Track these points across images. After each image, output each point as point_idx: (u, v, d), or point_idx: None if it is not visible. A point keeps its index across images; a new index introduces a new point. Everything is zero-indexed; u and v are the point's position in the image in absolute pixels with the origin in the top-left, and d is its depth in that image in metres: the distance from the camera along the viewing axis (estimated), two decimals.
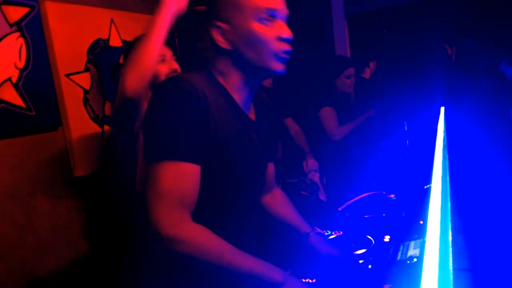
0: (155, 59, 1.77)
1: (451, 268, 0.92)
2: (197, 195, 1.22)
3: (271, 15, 1.28)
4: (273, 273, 1.24)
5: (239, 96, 1.36)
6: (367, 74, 3.98)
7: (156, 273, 1.35)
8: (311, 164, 3.42)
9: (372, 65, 3.84)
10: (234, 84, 1.35)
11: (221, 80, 1.34)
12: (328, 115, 3.39)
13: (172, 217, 1.15)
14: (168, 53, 2.07)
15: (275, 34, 1.29)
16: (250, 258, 1.23)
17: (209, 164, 1.24)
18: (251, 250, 1.33)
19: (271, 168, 1.72)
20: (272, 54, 1.30)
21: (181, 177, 1.17)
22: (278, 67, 1.32)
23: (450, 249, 1.03)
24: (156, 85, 1.29)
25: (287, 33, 1.30)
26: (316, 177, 3.41)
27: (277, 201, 1.76)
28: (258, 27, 1.27)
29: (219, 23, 1.29)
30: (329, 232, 1.83)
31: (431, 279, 0.55)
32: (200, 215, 1.22)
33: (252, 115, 1.46)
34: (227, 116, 1.29)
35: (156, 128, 1.20)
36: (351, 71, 3.40)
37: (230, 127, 1.29)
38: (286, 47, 1.31)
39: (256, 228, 1.54)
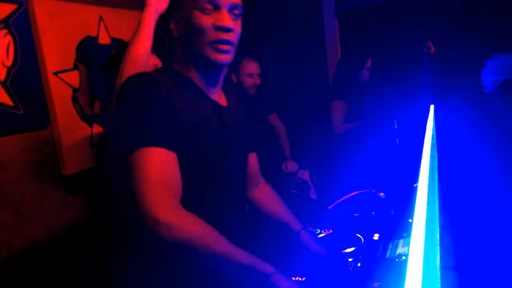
0: (147, 54, 1.86)
1: (438, 266, 0.93)
2: (181, 183, 1.22)
3: (213, 4, 1.31)
4: (264, 266, 1.25)
5: (202, 84, 1.39)
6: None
7: (143, 272, 1.35)
8: (291, 166, 3.42)
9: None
10: (193, 72, 1.39)
11: (182, 71, 1.38)
12: (338, 108, 3.39)
13: (164, 202, 1.13)
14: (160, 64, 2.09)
15: (212, 23, 1.31)
16: (241, 251, 1.23)
17: (182, 151, 1.24)
18: (237, 243, 1.33)
19: (253, 159, 1.72)
20: (208, 42, 1.32)
21: (161, 163, 1.17)
22: (215, 56, 1.33)
23: (438, 247, 1.03)
24: (123, 82, 1.31)
25: (223, 22, 1.31)
26: (306, 175, 3.42)
27: (266, 197, 1.76)
28: (198, 15, 1.30)
29: (174, 13, 1.37)
30: (319, 231, 1.83)
31: (415, 277, 0.55)
32: (186, 206, 1.21)
33: (222, 101, 1.48)
34: (192, 102, 1.32)
35: (126, 121, 1.22)
36: (369, 62, 3.41)
37: (197, 113, 1.32)
38: (222, 36, 1.32)
39: (240, 221, 1.53)
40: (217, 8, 1.31)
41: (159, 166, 1.16)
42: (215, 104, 1.41)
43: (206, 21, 1.30)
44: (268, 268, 1.25)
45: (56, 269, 2.35)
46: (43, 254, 2.31)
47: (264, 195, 1.76)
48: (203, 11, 1.30)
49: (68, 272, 2.42)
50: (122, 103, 1.26)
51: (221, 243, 1.19)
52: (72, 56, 2.50)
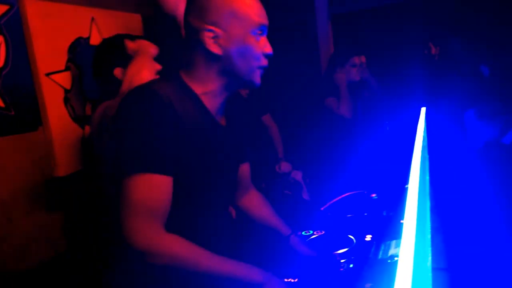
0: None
1: (430, 267, 0.93)
2: (169, 206, 1.22)
3: (261, 30, 1.33)
4: (254, 274, 1.26)
5: (212, 103, 1.37)
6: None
7: (132, 277, 1.34)
8: (284, 166, 3.43)
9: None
10: (211, 91, 1.36)
11: (194, 86, 1.34)
12: (333, 103, 3.39)
13: (144, 230, 1.15)
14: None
15: (262, 49, 1.33)
16: (228, 262, 1.25)
17: (180, 172, 1.24)
18: (228, 251, 1.34)
19: (245, 168, 1.74)
20: (257, 67, 1.34)
21: (152, 190, 1.17)
22: (258, 80, 1.37)
23: (429, 248, 1.04)
24: (123, 97, 1.29)
25: (270, 49, 1.36)
26: (299, 176, 3.42)
27: (255, 204, 1.79)
28: (252, 40, 1.31)
29: (213, 28, 1.29)
30: (311, 232, 1.84)
31: (405, 278, 0.55)
32: (174, 221, 1.23)
33: (222, 121, 1.46)
34: (195, 123, 1.29)
35: (124, 142, 1.20)
36: (356, 60, 3.41)
37: (199, 134, 1.30)
38: (267, 62, 1.37)
39: (231, 230, 1.55)
40: (263, 33, 1.35)
41: (149, 194, 1.17)
42: (216, 125, 1.39)
43: (259, 47, 1.33)
44: (259, 276, 1.27)
45: (47, 271, 2.34)
46: (33, 256, 2.30)
47: (254, 201, 1.79)
48: (256, 35, 1.32)
49: (59, 274, 2.40)
50: (122, 121, 1.23)
51: (206, 260, 1.22)
52: (64, 57, 2.49)
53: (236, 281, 1.23)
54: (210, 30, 1.28)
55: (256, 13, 1.31)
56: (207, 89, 1.35)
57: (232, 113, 1.54)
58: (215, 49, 1.29)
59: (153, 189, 1.17)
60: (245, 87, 1.43)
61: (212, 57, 1.31)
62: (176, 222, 1.23)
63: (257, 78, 1.36)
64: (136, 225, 1.14)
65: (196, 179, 1.31)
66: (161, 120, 1.20)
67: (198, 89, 1.34)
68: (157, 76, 1.97)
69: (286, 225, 1.74)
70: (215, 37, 1.29)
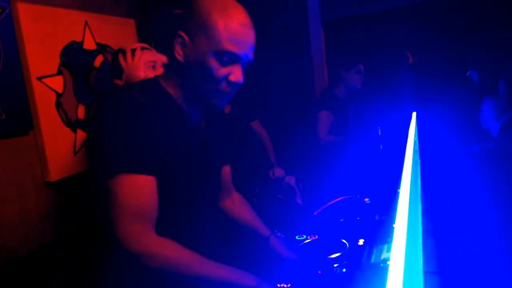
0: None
1: (421, 270, 0.93)
2: (157, 207, 1.22)
3: (231, 58, 1.30)
4: (246, 280, 1.27)
5: (189, 106, 1.38)
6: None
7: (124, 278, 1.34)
8: (277, 172, 3.44)
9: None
10: (181, 96, 1.37)
11: (169, 89, 1.36)
12: (323, 119, 3.44)
13: (135, 232, 1.15)
14: (160, 60, 2.09)
15: (226, 75, 1.31)
16: (220, 267, 1.25)
17: (162, 174, 1.25)
18: (217, 255, 1.35)
19: (226, 170, 1.76)
20: (216, 91, 1.33)
21: (137, 190, 1.17)
22: (217, 103, 1.36)
23: (421, 252, 1.04)
24: (99, 99, 1.31)
25: (238, 78, 1.32)
26: (292, 181, 3.43)
27: (236, 205, 1.81)
28: (214, 64, 1.29)
29: (183, 34, 1.30)
30: (305, 236, 1.84)
31: (397, 282, 0.55)
32: (160, 224, 1.24)
33: (202, 122, 1.48)
34: (172, 122, 1.31)
35: (103, 144, 1.21)
36: (361, 67, 3.46)
37: (176, 133, 1.31)
38: (231, 89, 1.35)
39: (219, 234, 1.56)
40: (235, 62, 1.31)
41: (135, 195, 1.17)
42: (194, 124, 1.41)
43: (221, 72, 1.30)
44: (251, 281, 1.27)
45: (36, 277, 2.32)
46: (23, 262, 2.28)
47: (235, 203, 1.81)
48: (221, 60, 1.29)
49: (49, 280, 2.38)
50: (99, 124, 1.23)
51: (198, 264, 1.22)
52: (56, 61, 2.48)
53: (228, 285, 1.23)
54: (180, 36, 1.30)
55: (229, 39, 1.27)
56: (180, 93, 1.36)
57: (212, 114, 1.55)
58: (177, 55, 1.31)
59: (139, 189, 1.18)
60: (203, 103, 1.39)
61: (175, 63, 1.33)
62: (162, 223, 1.24)
63: (213, 100, 1.34)
64: (127, 228, 1.14)
65: (178, 179, 1.32)
66: (138, 122, 1.20)
67: (174, 92, 1.36)
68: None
69: (266, 227, 1.76)
70: (182, 44, 1.30)
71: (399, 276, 0.55)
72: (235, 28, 1.28)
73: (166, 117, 1.29)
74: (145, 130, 1.21)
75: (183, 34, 1.30)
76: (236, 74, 1.31)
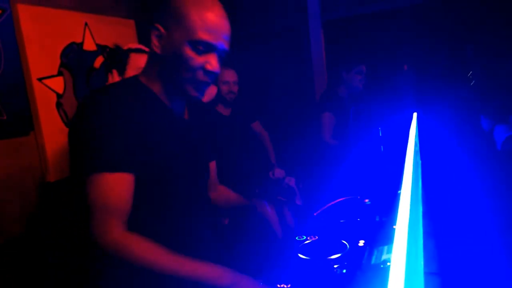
0: None
1: (422, 272, 0.93)
2: (130, 203, 1.24)
3: (208, 47, 1.31)
4: (220, 275, 1.24)
5: (166, 99, 1.39)
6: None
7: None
8: (277, 173, 3.45)
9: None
10: (162, 91, 1.38)
11: (149, 85, 1.37)
12: (327, 121, 3.43)
13: (104, 227, 1.18)
14: None
15: (202, 64, 1.32)
16: (190, 262, 1.23)
17: (144, 171, 1.26)
18: (212, 254, 1.34)
19: (212, 167, 1.78)
20: (192, 81, 1.33)
21: (111, 188, 1.19)
22: (194, 93, 1.36)
23: (422, 253, 1.04)
24: (79, 103, 1.32)
25: (214, 67, 1.33)
26: (292, 182, 3.43)
27: (220, 194, 1.84)
28: (190, 53, 1.29)
29: (159, 26, 1.31)
30: (305, 237, 1.83)
31: (398, 283, 0.55)
32: (147, 222, 1.28)
33: (185, 115, 1.49)
34: (154, 118, 1.32)
35: (82, 142, 1.22)
36: (363, 67, 3.45)
37: (159, 129, 1.32)
38: (208, 79, 1.35)
39: (213, 232, 1.56)
40: (210, 51, 1.32)
41: (108, 193, 1.19)
42: (176, 118, 1.42)
43: (197, 61, 1.30)
44: (226, 277, 1.24)
45: (36, 276, 2.32)
46: (23, 258, 2.28)
47: (219, 192, 1.84)
48: (196, 49, 1.29)
49: (49, 280, 2.39)
50: (80, 122, 1.25)
51: (164, 259, 1.21)
52: (57, 62, 2.48)
53: (198, 281, 1.22)
54: (156, 28, 1.32)
55: (203, 28, 1.29)
56: (161, 88, 1.38)
57: (196, 108, 1.56)
58: (155, 48, 1.32)
59: (112, 187, 1.20)
60: (181, 95, 1.39)
61: (154, 56, 1.35)
62: (147, 220, 1.29)
63: (190, 90, 1.35)
64: (97, 223, 1.18)
65: (162, 174, 1.32)
66: (114, 119, 1.21)
67: (155, 87, 1.37)
68: None
69: (246, 199, 1.82)
70: (159, 36, 1.32)
71: (400, 277, 0.55)
72: (209, 18, 1.29)
73: (145, 113, 1.29)
74: (120, 128, 1.22)
75: (159, 26, 1.31)
76: (212, 63, 1.32)
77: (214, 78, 1.37)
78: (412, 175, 1.12)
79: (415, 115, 2.21)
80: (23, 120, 2.29)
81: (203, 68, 1.32)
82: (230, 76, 3.19)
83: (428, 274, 1.47)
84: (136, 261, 1.19)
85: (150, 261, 1.20)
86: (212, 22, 1.30)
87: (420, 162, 1.81)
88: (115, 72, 2.13)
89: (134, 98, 1.30)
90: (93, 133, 1.20)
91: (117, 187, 1.21)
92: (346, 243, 1.70)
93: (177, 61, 1.30)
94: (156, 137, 1.30)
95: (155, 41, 1.32)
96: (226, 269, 1.26)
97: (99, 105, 1.23)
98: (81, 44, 2.66)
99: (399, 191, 1.94)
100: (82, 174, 1.20)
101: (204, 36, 1.28)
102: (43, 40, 2.39)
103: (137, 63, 2.13)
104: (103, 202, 1.19)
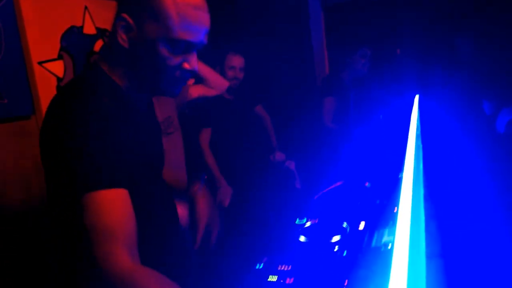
0: None
1: (423, 255, 0.95)
2: (132, 221, 1.07)
3: (185, 46, 1.18)
4: None
5: (134, 93, 1.25)
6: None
7: None
8: (278, 156, 3.46)
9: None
10: (127, 84, 1.23)
11: (114, 77, 1.22)
12: (329, 105, 3.44)
13: (109, 255, 0.99)
14: None
15: (179, 63, 1.19)
16: None
17: (132, 182, 1.10)
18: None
19: None
20: (169, 80, 1.21)
21: (112, 208, 1.03)
22: (172, 90, 1.24)
23: (423, 236, 1.05)
24: (49, 107, 1.17)
25: (193, 65, 1.21)
26: (292, 165, 3.45)
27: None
28: (164, 51, 1.16)
29: (127, 17, 1.16)
30: (305, 220, 1.84)
31: (401, 266, 0.56)
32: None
33: (150, 109, 1.39)
34: (131, 124, 1.19)
35: (66, 161, 1.06)
36: (366, 50, 3.44)
37: (135, 134, 1.20)
38: (186, 76, 1.23)
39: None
40: (189, 49, 1.20)
41: (110, 212, 1.02)
42: (143, 115, 1.31)
43: (174, 61, 1.18)
44: None
45: (38, 260, 2.34)
46: (26, 245, 2.30)
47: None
48: (173, 48, 1.16)
49: (51, 264, 2.40)
50: (60, 137, 1.08)
51: None
52: (57, 45, 2.47)
53: None
54: (123, 19, 1.16)
55: (183, 25, 1.14)
56: (126, 81, 1.23)
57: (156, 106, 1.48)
58: (121, 40, 1.16)
59: (113, 206, 1.03)
60: (155, 93, 1.29)
61: (119, 49, 1.18)
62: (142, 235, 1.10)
63: (168, 87, 1.22)
64: (101, 250, 0.99)
65: (144, 182, 1.21)
66: (97, 130, 1.07)
67: (120, 81, 1.22)
68: None
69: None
70: (126, 28, 1.16)
71: (404, 260, 0.56)
72: (189, 13, 1.14)
73: (120, 118, 1.14)
74: (105, 139, 1.07)
75: (127, 17, 1.15)
76: (191, 61, 1.20)
77: (192, 75, 1.25)
78: (414, 158, 1.13)
79: (416, 97, 2.21)
80: (24, 104, 2.29)
81: (180, 67, 1.19)
82: (237, 61, 3.17)
83: (430, 257, 1.49)
84: None
85: None
86: (192, 17, 1.15)
87: (421, 145, 1.81)
88: None
89: (108, 100, 1.15)
90: (79, 148, 1.04)
91: (118, 205, 1.04)
92: (347, 226, 1.71)
93: (151, 59, 1.16)
94: (135, 144, 1.17)
95: (121, 33, 1.16)
96: None
97: (76, 115, 1.07)
98: (81, 27, 2.65)
99: (399, 174, 1.95)
100: (73, 196, 1.03)
101: (184, 35, 1.15)
102: (43, 24, 2.37)
103: None
104: (105, 224, 1.00)
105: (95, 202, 1.01)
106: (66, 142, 1.06)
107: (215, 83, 2.51)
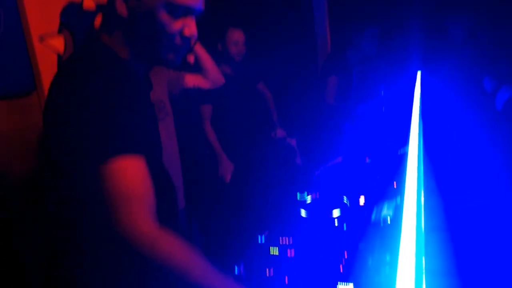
0: None
1: (423, 228, 0.96)
2: (151, 186, 1.09)
3: (185, 11, 1.18)
4: None
5: (134, 63, 1.26)
6: None
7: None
8: (279, 133, 3.47)
9: None
10: (128, 54, 1.24)
11: (115, 48, 1.22)
12: (332, 85, 3.44)
13: (132, 217, 1.02)
14: None
15: (180, 29, 1.19)
16: (219, 275, 1.09)
17: (144, 150, 1.12)
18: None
19: None
20: (170, 47, 1.21)
21: (132, 173, 1.05)
22: (172, 59, 1.25)
23: (422, 210, 1.07)
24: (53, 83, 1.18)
25: (193, 31, 1.21)
26: (293, 142, 3.46)
27: None
28: (165, 18, 1.16)
29: None
30: (306, 195, 1.86)
31: (408, 239, 0.58)
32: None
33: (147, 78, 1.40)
34: (135, 93, 1.20)
35: (80, 130, 1.06)
36: (375, 30, 3.42)
37: (142, 103, 1.23)
38: (186, 43, 1.23)
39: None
40: (187, 14, 1.20)
41: (131, 178, 1.04)
42: (145, 85, 1.33)
43: (174, 27, 1.18)
44: None
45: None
46: (28, 220, 2.32)
47: None
48: (172, 14, 1.16)
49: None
50: (73, 106, 1.08)
51: (193, 269, 1.06)
52: (57, 21, 2.46)
53: None
54: None
55: None
56: (127, 52, 1.23)
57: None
58: (120, 9, 1.16)
59: (132, 172, 1.05)
60: (155, 62, 1.30)
61: (118, 19, 1.18)
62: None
63: (169, 56, 1.23)
64: (124, 212, 1.02)
65: (151, 152, 1.21)
66: (114, 95, 1.10)
67: (121, 52, 1.23)
68: None
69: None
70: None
71: (411, 233, 0.57)
72: None
73: (125, 88, 1.16)
74: (122, 105, 1.09)
75: None
76: (190, 27, 1.20)
77: (191, 42, 1.25)
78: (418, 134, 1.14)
79: (419, 73, 2.21)
80: (25, 80, 2.29)
81: (180, 33, 1.20)
82: (239, 36, 3.15)
83: (429, 231, 1.51)
84: (164, 260, 1.03)
85: (179, 264, 1.04)
86: None
87: (422, 121, 1.82)
88: None
89: (112, 71, 1.17)
90: (93, 117, 1.05)
91: (137, 171, 1.06)
92: (347, 201, 1.73)
93: (151, 27, 1.16)
94: (143, 111, 1.20)
95: (119, 3, 1.16)
96: None
97: (85, 85, 1.09)
98: (81, 3, 2.63)
99: (400, 150, 1.96)
100: (91, 163, 1.04)
101: (183, 1, 1.16)
102: (43, 0, 2.36)
103: None
104: (127, 189, 1.02)
105: (115, 169, 1.03)
106: (79, 112, 1.06)
107: (213, 77, 2.45)
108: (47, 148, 1.20)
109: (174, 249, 1.05)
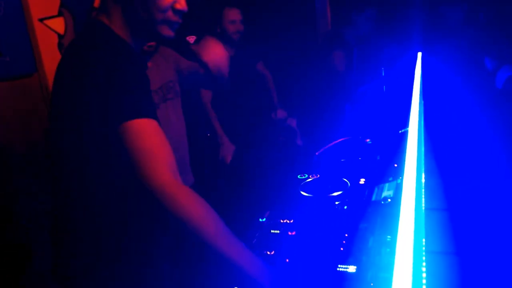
0: None
1: (423, 207, 0.97)
2: (169, 146, 1.15)
3: None
4: (255, 271, 1.11)
5: (133, 42, 1.31)
6: None
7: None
8: (280, 114, 3.47)
9: None
10: (126, 33, 1.30)
11: (115, 28, 1.28)
12: (339, 57, 3.42)
13: (155, 169, 1.08)
14: None
15: (171, 3, 1.25)
16: (239, 247, 1.11)
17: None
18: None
19: None
20: (164, 21, 1.27)
21: (151, 134, 1.12)
22: (166, 32, 1.30)
23: (423, 190, 1.08)
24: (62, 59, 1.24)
25: (184, 6, 1.28)
26: (294, 123, 3.46)
27: None
28: None
29: None
30: (307, 175, 1.87)
31: (407, 218, 0.59)
32: None
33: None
34: (139, 68, 1.25)
35: (99, 95, 1.12)
36: (373, 11, 3.40)
37: (143, 79, 1.25)
38: (178, 17, 1.29)
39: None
40: None
41: (151, 138, 1.11)
42: (143, 61, 1.38)
43: (166, 1, 1.23)
44: (261, 278, 1.09)
45: (45, 217, 2.38)
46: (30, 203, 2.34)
47: None
48: None
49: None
50: (89, 75, 1.14)
51: (214, 226, 1.09)
52: (57, 2, 2.45)
53: (234, 267, 1.09)
54: None
55: None
56: (125, 31, 1.29)
57: None
58: None
59: (151, 133, 1.12)
60: (151, 37, 1.36)
61: (117, 1, 1.26)
62: None
63: (163, 29, 1.28)
64: (147, 165, 1.08)
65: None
66: (128, 64, 1.19)
67: (119, 31, 1.28)
68: None
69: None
70: None
71: (410, 213, 0.58)
72: None
73: (130, 64, 1.21)
74: (137, 74, 1.19)
75: None
76: (181, 1, 1.27)
77: (182, 16, 1.31)
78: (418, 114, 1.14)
79: (419, 54, 2.20)
80: (26, 62, 2.29)
81: (172, 7, 1.26)
82: (236, 15, 3.14)
83: (430, 209, 1.52)
84: (178, 212, 1.07)
85: (192, 217, 1.07)
86: None
87: (422, 101, 1.82)
88: None
89: (118, 50, 1.23)
90: (110, 83, 1.12)
91: (155, 132, 1.13)
92: (347, 181, 1.74)
93: (146, 4, 1.22)
94: (146, 86, 1.24)
95: None
96: (269, 272, 1.12)
97: (102, 57, 1.16)
98: None
99: (400, 131, 1.96)
100: (110, 127, 1.10)
101: None
102: None
103: None
104: (147, 146, 1.09)
105: (134, 129, 1.10)
106: (96, 79, 1.12)
107: (218, 73, 2.43)
108: (67, 114, 1.23)
109: (193, 203, 1.09)
